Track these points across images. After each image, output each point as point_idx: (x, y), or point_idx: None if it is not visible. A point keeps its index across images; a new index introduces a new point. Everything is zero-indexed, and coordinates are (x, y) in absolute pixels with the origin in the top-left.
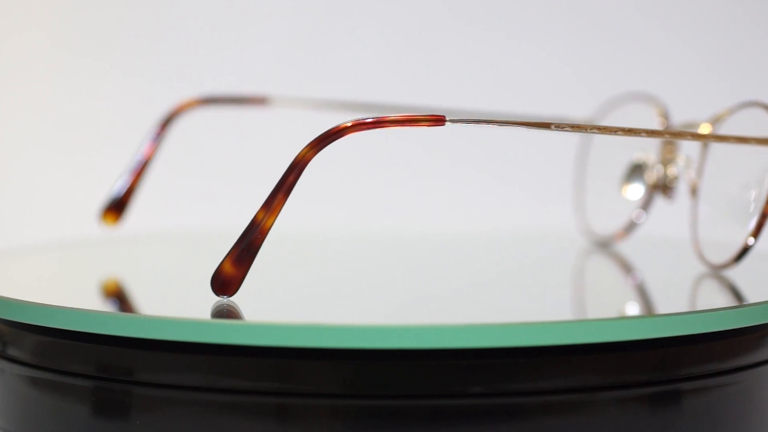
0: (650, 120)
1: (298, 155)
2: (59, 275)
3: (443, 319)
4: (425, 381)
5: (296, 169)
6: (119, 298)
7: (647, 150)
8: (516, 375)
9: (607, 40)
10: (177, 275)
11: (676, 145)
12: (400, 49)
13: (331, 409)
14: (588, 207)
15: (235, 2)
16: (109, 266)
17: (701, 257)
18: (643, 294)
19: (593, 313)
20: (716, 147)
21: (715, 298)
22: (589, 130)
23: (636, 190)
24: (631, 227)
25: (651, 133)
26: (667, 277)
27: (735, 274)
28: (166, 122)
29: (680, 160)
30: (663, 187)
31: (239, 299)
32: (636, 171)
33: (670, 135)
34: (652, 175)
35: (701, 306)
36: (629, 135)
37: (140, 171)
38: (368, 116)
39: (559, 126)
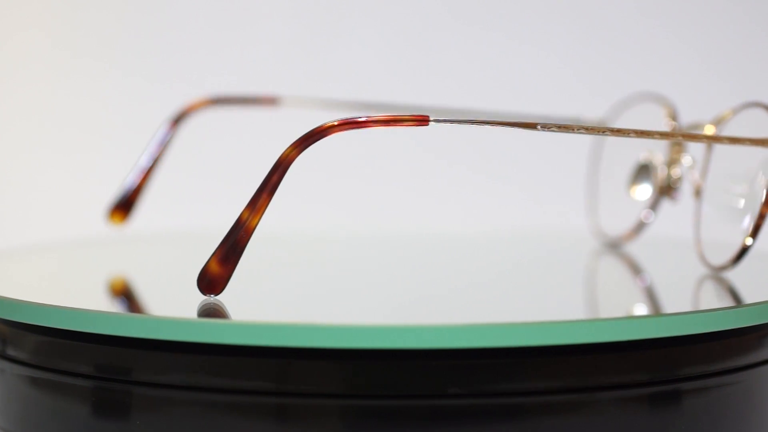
0: (660, 120)
1: (281, 155)
2: (59, 275)
3: (443, 319)
4: (425, 381)
5: (280, 168)
6: (119, 298)
7: (653, 151)
8: (516, 375)
9: (607, 40)
10: (178, 275)
11: (684, 146)
12: (400, 49)
13: (330, 409)
14: (600, 208)
15: (236, 2)
16: (109, 266)
17: (702, 258)
18: (643, 294)
19: (593, 313)
20: (720, 148)
21: (715, 298)
22: (576, 131)
23: (644, 191)
24: (639, 227)
25: (640, 133)
26: (668, 277)
27: (735, 274)
28: (176, 122)
29: (684, 161)
30: (667, 188)
31: (240, 299)
32: (642, 172)
33: (660, 136)
34: (657, 176)
35: (701, 306)
36: (617, 135)
37: (148, 171)
38: (351, 116)
39: (545, 126)
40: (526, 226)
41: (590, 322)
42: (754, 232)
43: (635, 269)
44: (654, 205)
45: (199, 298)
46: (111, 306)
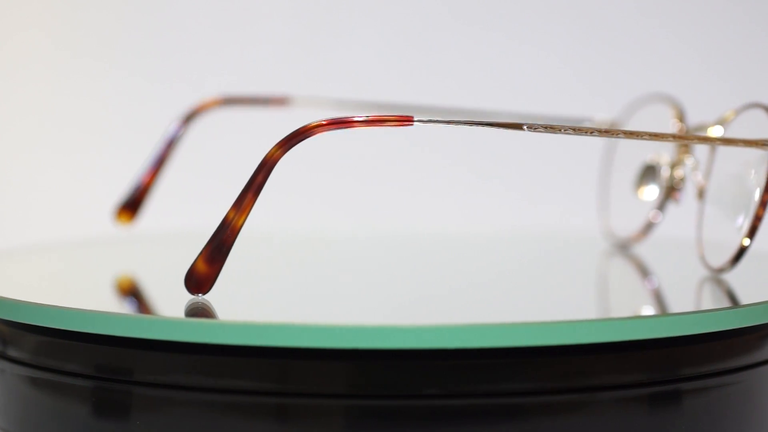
0: (669, 121)
1: (266, 155)
2: (59, 275)
3: (443, 319)
4: (425, 381)
5: (265, 168)
6: (120, 298)
7: (660, 152)
8: (516, 375)
9: (607, 40)
10: (178, 275)
11: (690, 148)
12: (400, 49)
13: (331, 409)
14: (611, 209)
15: (236, 2)
16: (109, 266)
17: (702, 259)
18: (643, 295)
19: (593, 313)
20: (723, 149)
21: (715, 299)
22: (563, 131)
23: (651, 192)
24: (648, 228)
25: (629, 134)
26: (669, 278)
27: (735, 274)
28: (185, 122)
29: (688, 162)
30: (670, 190)
31: (239, 299)
32: (648, 173)
33: (650, 136)
34: (662, 177)
35: (702, 307)
36: (605, 136)
37: (156, 170)
38: (336, 116)
39: (532, 127)
40: (526, 226)
41: (590, 322)
42: (751, 233)
43: (637, 270)
44: (662, 206)
45: (200, 298)
46: (111, 306)
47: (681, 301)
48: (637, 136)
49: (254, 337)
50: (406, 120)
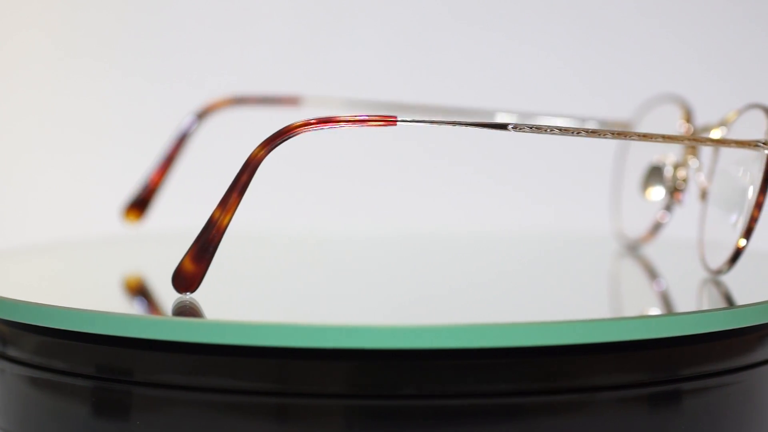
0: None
1: (250, 155)
2: (59, 275)
3: (443, 319)
4: (425, 381)
5: (249, 168)
6: (120, 297)
7: (666, 153)
8: (516, 375)
9: (607, 39)
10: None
11: (696, 149)
12: (400, 49)
13: (331, 409)
14: (623, 210)
15: (236, 2)
16: (109, 266)
17: (702, 260)
18: (644, 295)
19: (594, 313)
20: (726, 151)
21: (715, 299)
22: (549, 132)
23: (657, 193)
24: (656, 229)
25: (617, 135)
26: (670, 278)
27: (736, 274)
28: (195, 121)
29: (691, 163)
30: (673, 191)
31: (239, 299)
32: (654, 173)
33: (638, 137)
34: (666, 178)
35: (702, 307)
36: (592, 137)
37: (164, 169)
38: (319, 116)
39: (517, 127)
40: (526, 226)
41: (590, 322)
42: (747, 234)
43: (638, 271)
44: (669, 207)
45: (200, 298)
46: (111, 306)
47: (681, 302)
48: (625, 136)
49: (254, 337)
50: (389, 120)
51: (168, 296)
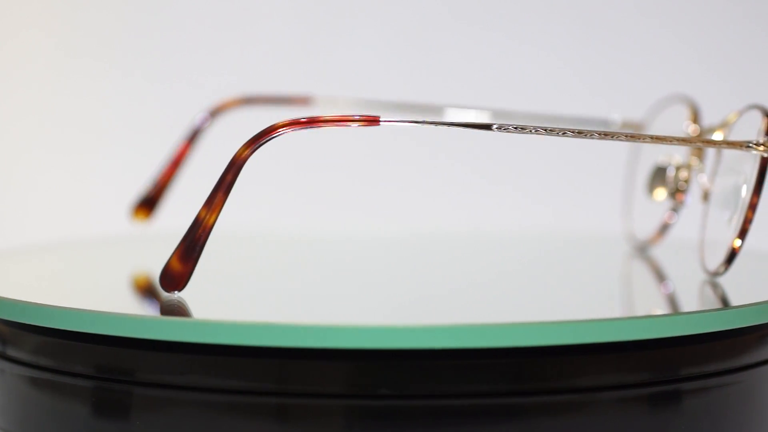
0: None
1: (235, 155)
2: (59, 275)
3: (443, 319)
4: (425, 381)
5: (233, 168)
6: (120, 297)
7: (672, 154)
8: (516, 375)
9: (607, 39)
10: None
11: (703, 151)
12: (400, 49)
13: (331, 410)
14: (634, 212)
15: (236, 2)
16: (109, 266)
17: (701, 262)
18: (645, 295)
19: (594, 313)
20: (728, 152)
21: (715, 299)
22: (533, 132)
23: (662, 193)
24: (664, 229)
25: (604, 135)
26: (671, 279)
27: (736, 274)
28: (205, 121)
29: (694, 164)
30: (674, 192)
31: (239, 300)
32: (659, 174)
33: (626, 137)
34: (668, 179)
35: (702, 307)
36: (578, 137)
37: (173, 169)
38: (302, 116)
39: (502, 127)
40: (527, 226)
41: (590, 323)
42: (741, 235)
43: (639, 271)
44: (676, 207)
45: (200, 298)
46: (111, 306)
47: (682, 302)
48: (611, 136)
49: (254, 337)
50: (372, 120)
51: (168, 296)
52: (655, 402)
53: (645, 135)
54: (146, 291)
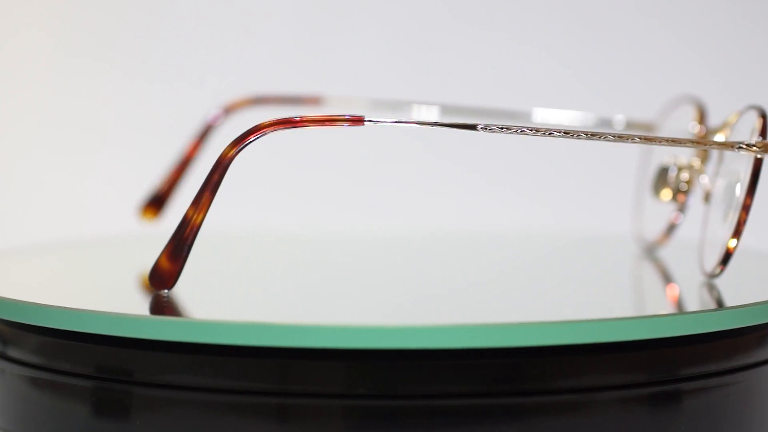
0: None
1: (221, 154)
2: (60, 275)
3: (443, 319)
4: (425, 381)
5: (220, 168)
6: (120, 297)
7: (677, 155)
8: (516, 375)
9: (607, 39)
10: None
11: (708, 152)
12: (400, 49)
13: (331, 410)
14: (644, 213)
15: (236, 2)
16: (109, 266)
17: (700, 263)
18: (646, 296)
19: (593, 313)
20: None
21: (715, 299)
22: (518, 132)
23: (666, 194)
24: (671, 230)
25: (591, 135)
26: (672, 279)
27: (736, 274)
28: (214, 121)
29: (695, 165)
30: (676, 193)
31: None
32: (662, 175)
33: (614, 138)
34: (671, 179)
35: (702, 307)
36: (567, 138)
37: (181, 168)
38: (290, 116)
39: (487, 127)
40: (528, 227)
41: (590, 322)
42: (735, 235)
43: (640, 271)
44: (682, 208)
45: (199, 298)
46: (111, 306)
47: (682, 302)
48: (599, 136)
49: (254, 337)
50: (357, 120)
51: (168, 296)
52: (655, 402)
53: (633, 134)
54: (146, 291)
